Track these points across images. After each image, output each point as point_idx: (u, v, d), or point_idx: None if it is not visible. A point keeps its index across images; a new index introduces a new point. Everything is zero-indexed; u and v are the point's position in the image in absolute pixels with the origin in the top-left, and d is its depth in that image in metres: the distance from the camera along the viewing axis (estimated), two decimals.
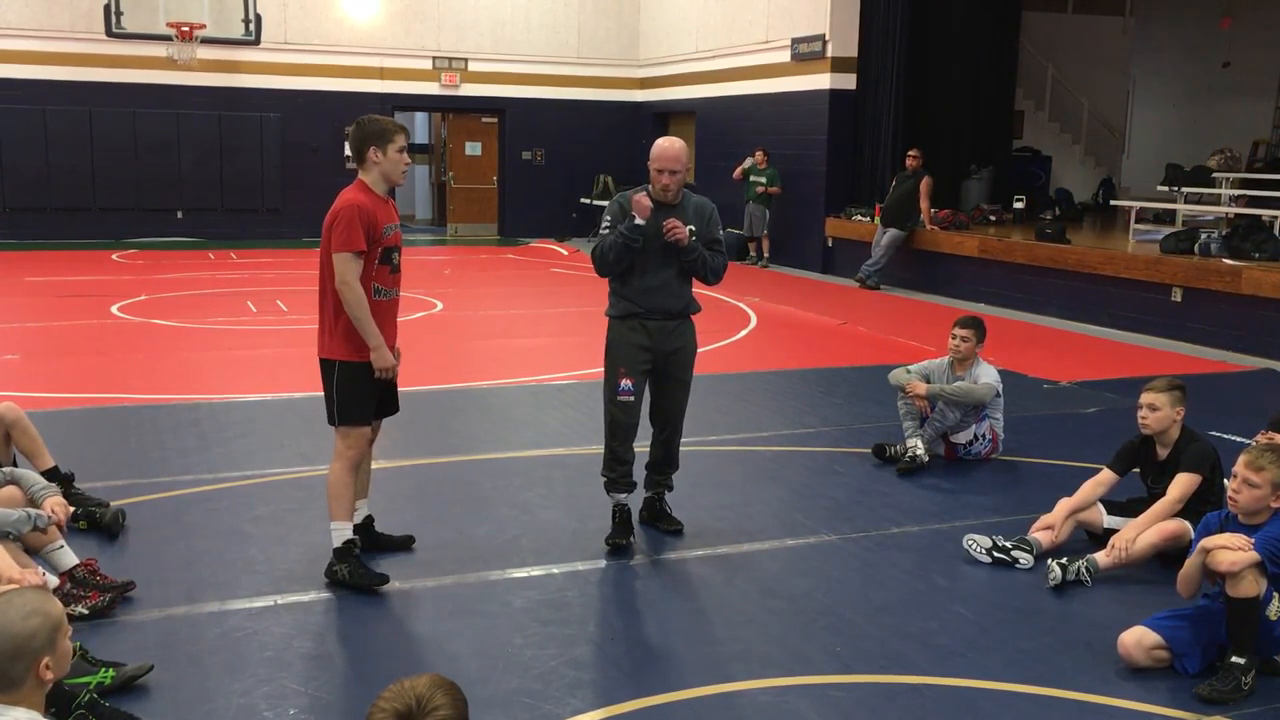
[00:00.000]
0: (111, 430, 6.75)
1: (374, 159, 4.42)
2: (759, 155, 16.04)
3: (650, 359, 4.89)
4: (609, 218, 4.88)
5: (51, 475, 5.04)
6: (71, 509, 4.32)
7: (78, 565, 4.22)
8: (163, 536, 4.96)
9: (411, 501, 5.51)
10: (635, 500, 5.14)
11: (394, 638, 4.11)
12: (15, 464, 4.95)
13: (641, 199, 4.71)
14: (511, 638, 4.03)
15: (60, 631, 2.33)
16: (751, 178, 16.08)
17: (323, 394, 4.53)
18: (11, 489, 4.21)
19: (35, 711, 2.29)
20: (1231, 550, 3.58)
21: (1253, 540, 3.60)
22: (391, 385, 4.64)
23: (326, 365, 4.49)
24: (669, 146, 4.83)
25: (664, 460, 5.13)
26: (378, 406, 4.62)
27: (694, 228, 4.80)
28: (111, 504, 5.11)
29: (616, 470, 4.98)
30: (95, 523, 4.96)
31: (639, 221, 4.70)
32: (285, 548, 4.84)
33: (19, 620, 2.26)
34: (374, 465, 5.78)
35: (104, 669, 3.49)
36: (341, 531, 4.47)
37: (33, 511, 3.99)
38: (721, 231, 5.04)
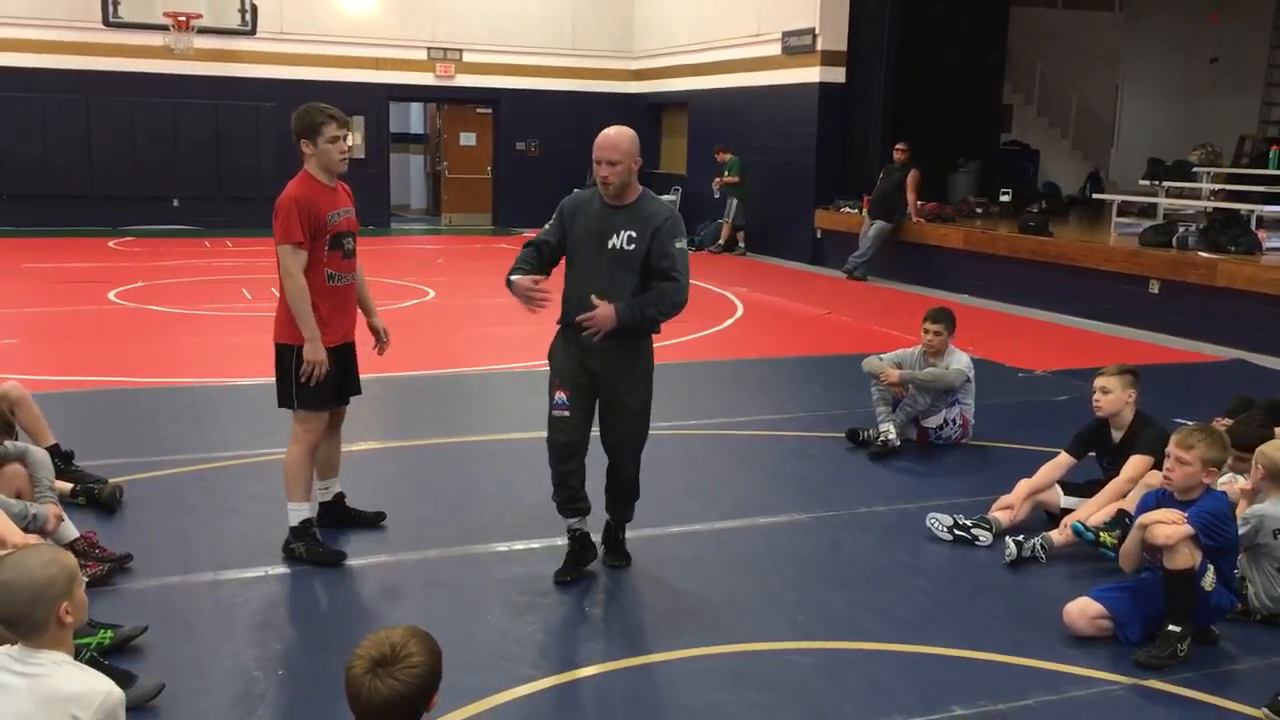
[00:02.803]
0: (109, 412, 6.95)
1: (308, 151, 4.51)
2: (718, 153, 16.77)
3: (586, 375, 4.36)
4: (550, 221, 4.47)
5: (52, 452, 5.25)
6: (62, 519, 4.52)
7: (78, 538, 4.43)
8: (159, 512, 5.16)
9: (400, 480, 5.71)
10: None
11: (379, 605, 4.32)
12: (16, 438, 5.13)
13: (523, 289, 4.19)
14: (491, 606, 4.24)
15: (75, 581, 2.54)
16: (728, 174, 16.73)
17: (275, 378, 4.62)
18: (18, 467, 4.41)
19: (64, 653, 2.52)
20: (1166, 525, 3.79)
21: (1186, 515, 3.81)
22: (351, 368, 4.78)
23: (284, 350, 4.57)
24: (608, 133, 4.25)
25: (614, 491, 4.59)
26: (339, 391, 4.74)
27: (633, 234, 4.23)
28: (109, 481, 5.32)
29: (560, 494, 4.51)
30: (93, 498, 5.16)
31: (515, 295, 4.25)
32: (276, 523, 5.00)
33: (38, 568, 2.48)
34: (364, 446, 6.02)
35: (103, 630, 3.69)
36: (299, 512, 4.64)
37: (36, 510, 4.20)
38: (678, 244, 4.25)
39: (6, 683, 2.47)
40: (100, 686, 2.48)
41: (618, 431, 4.46)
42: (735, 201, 16.74)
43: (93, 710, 2.43)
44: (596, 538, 4.67)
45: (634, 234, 4.25)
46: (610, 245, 4.26)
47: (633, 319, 4.21)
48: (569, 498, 4.53)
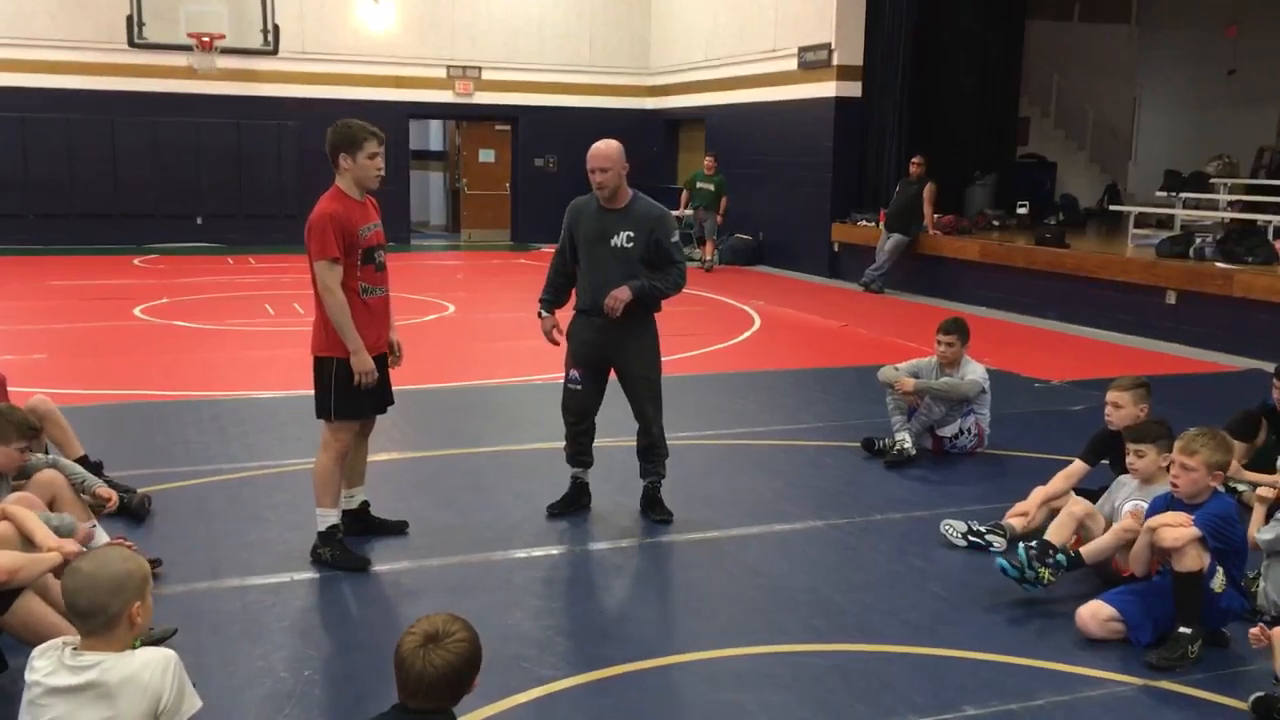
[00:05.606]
0: (136, 424, 7.08)
1: (345, 165, 4.57)
2: (708, 162, 16.78)
3: (599, 354, 5.19)
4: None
5: (81, 463, 5.37)
6: (115, 494, 4.68)
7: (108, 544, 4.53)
8: (186, 520, 5.28)
9: (421, 490, 5.81)
10: (631, 488, 5.43)
11: (401, 610, 4.39)
12: (47, 453, 5.26)
13: (544, 331, 5.28)
14: (511, 611, 4.32)
15: (148, 583, 2.63)
16: (699, 184, 16.70)
17: (314, 389, 4.72)
18: (53, 473, 4.53)
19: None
20: (1173, 527, 3.84)
21: (1194, 517, 3.86)
22: (385, 380, 4.84)
23: (322, 362, 4.67)
24: (598, 145, 5.04)
25: (646, 449, 5.33)
26: (378, 402, 4.80)
27: (631, 234, 5.02)
28: (138, 490, 5.43)
29: (571, 448, 5.37)
30: (123, 507, 5.25)
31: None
32: (301, 530, 5.12)
33: (119, 562, 2.59)
34: (387, 457, 6.13)
35: None
36: (326, 518, 4.73)
37: (58, 521, 4.31)
38: (672, 239, 5.13)
39: (67, 683, 2.54)
40: (156, 654, 2.58)
41: (638, 399, 5.23)
42: (712, 215, 16.62)
43: (161, 673, 2.53)
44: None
45: (631, 234, 5.05)
46: (612, 244, 5.06)
47: (643, 291, 5.04)
48: (577, 450, 5.36)
